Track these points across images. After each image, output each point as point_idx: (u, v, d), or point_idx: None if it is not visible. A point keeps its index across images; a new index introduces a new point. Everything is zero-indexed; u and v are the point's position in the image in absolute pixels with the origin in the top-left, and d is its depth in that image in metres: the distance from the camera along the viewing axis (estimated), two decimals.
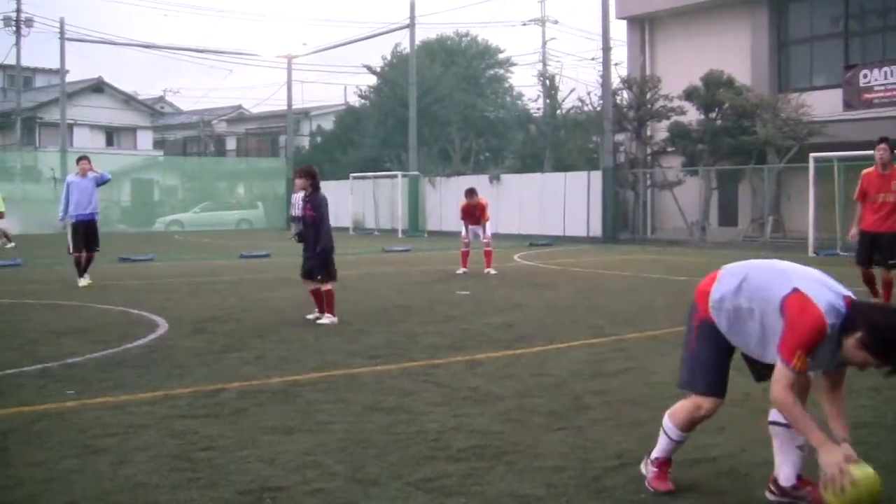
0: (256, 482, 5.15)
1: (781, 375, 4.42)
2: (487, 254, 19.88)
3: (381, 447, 5.86)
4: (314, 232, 12.20)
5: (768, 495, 4.88)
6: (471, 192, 20.66)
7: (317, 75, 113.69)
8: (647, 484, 5.04)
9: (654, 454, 5.09)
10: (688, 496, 4.91)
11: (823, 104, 31.64)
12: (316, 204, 12.23)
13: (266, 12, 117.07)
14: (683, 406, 4.99)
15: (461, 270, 19.50)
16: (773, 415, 4.93)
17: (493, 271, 19.40)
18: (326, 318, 11.95)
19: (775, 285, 4.55)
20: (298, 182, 12.29)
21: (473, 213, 20.36)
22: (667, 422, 5.07)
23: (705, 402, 4.87)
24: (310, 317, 12.14)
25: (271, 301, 14.43)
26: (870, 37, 33.92)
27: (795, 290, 4.43)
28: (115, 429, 6.34)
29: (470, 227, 20.33)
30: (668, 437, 5.04)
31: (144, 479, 5.24)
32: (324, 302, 12.14)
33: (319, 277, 12.11)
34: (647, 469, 5.11)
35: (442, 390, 7.63)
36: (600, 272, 20.31)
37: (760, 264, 4.87)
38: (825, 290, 4.44)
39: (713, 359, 4.90)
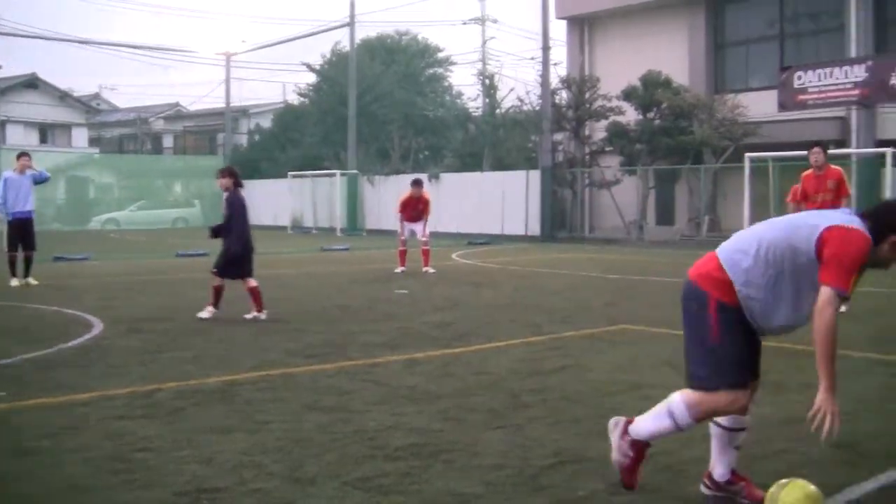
0: (193, 483, 5.11)
1: (830, 302, 4.29)
2: (425, 252, 19.72)
3: (319, 446, 5.84)
4: (224, 231, 12.36)
5: (703, 490, 4.94)
6: (417, 183, 20.48)
7: (256, 73, 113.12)
8: (616, 465, 4.94)
9: (641, 434, 4.89)
10: (624, 493, 4.95)
11: (759, 105, 32.07)
12: (229, 203, 12.35)
13: (205, 9, 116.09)
14: (713, 400, 4.59)
15: (399, 269, 19.42)
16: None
17: (431, 270, 19.35)
18: (207, 312, 12.10)
19: (795, 236, 4.46)
20: (223, 181, 12.39)
21: (416, 206, 20.00)
22: (680, 406, 4.71)
23: (741, 395, 4.56)
24: (247, 316, 12.08)
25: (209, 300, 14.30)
26: (804, 39, 34.44)
27: (830, 226, 4.36)
28: (49, 430, 6.26)
29: (407, 224, 20.02)
30: (675, 422, 4.75)
31: (80, 481, 5.18)
32: (258, 299, 12.19)
33: (214, 270, 12.24)
34: (619, 445, 4.94)
35: (380, 389, 7.63)
36: (538, 271, 20.41)
37: (759, 229, 4.71)
38: (842, 215, 4.50)
39: (743, 347, 4.61)
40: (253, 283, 12.23)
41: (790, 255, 4.44)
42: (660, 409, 4.83)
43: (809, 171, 12.76)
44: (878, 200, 12.89)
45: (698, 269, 4.76)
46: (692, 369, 4.72)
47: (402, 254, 19.69)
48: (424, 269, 19.35)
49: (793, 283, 4.49)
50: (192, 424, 6.41)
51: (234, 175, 12.49)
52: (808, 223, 4.47)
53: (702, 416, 4.69)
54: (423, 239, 19.85)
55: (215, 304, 12.20)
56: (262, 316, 11.98)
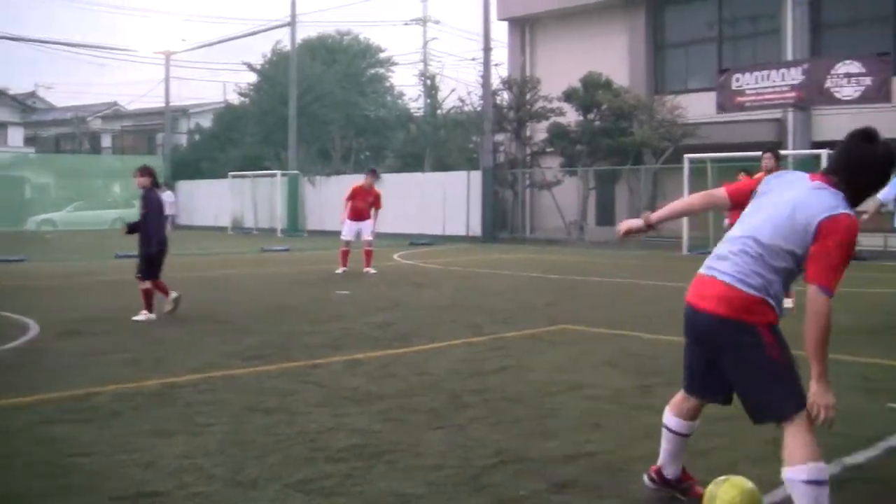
0: (132, 488, 5.06)
1: (820, 292, 4.03)
2: (368, 253, 19.62)
3: (260, 449, 5.81)
4: (143, 228, 12.33)
5: (647, 483, 4.96)
6: (373, 173, 20.36)
7: (196, 72, 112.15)
8: None
9: None
10: (565, 492, 4.98)
11: (698, 106, 32.41)
12: (149, 201, 12.39)
13: (144, 7, 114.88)
14: (804, 440, 4.14)
15: (340, 270, 19.31)
16: (669, 420, 4.82)
17: (372, 270, 19.28)
18: (142, 315, 12.02)
19: (793, 235, 4.14)
20: (141, 180, 12.36)
21: (366, 198, 19.78)
22: (803, 470, 4.10)
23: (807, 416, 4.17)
24: (138, 318, 12.12)
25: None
26: (742, 41, 34.90)
27: (832, 214, 4.06)
28: None
29: (354, 224, 19.73)
30: (818, 483, 4.11)
31: (15, 487, 5.11)
32: (167, 294, 12.33)
33: (138, 275, 12.26)
34: None
35: (322, 390, 7.61)
36: (479, 271, 20.45)
37: (753, 233, 4.27)
38: (832, 196, 4.18)
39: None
40: (148, 285, 12.26)
41: (792, 244, 4.16)
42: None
43: (761, 174, 12.96)
44: None
45: (725, 304, 4.23)
46: (774, 409, 4.23)
47: (345, 254, 19.55)
48: (366, 269, 19.27)
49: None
50: (130, 428, 6.35)
51: (152, 174, 12.50)
52: (806, 211, 4.12)
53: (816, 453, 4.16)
54: (368, 239, 19.74)
55: (149, 308, 12.11)
56: (141, 317, 12.00)
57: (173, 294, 12.33)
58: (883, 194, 11.98)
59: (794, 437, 4.13)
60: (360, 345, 9.97)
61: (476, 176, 36.03)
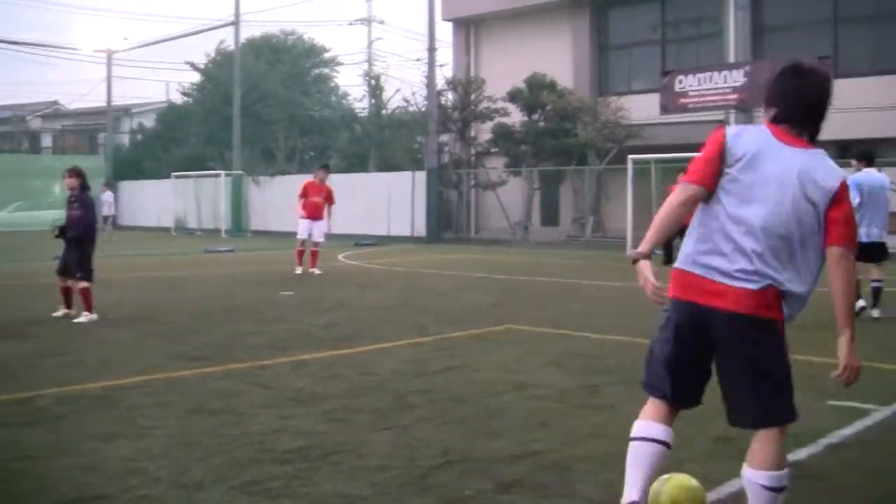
0: (76, 491, 5.00)
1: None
2: (314, 254, 19.56)
3: (205, 451, 5.78)
4: (81, 230, 12.23)
5: None
6: (325, 168, 20.32)
7: (138, 71, 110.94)
8: None
9: None
10: (511, 492, 5.00)
11: (641, 108, 32.68)
12: (84, 202, 12.36)
13: (85, 5, 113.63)
14: (777, 447, 4.04)
15: (299, 270, 19.15)
16: (657, 431, 4.24)
17: (317, 271, 19.19)
18: (84, 317, 11.92)
19: (804, 210, 3.92)
20: (71, 181, 12.35)
21: (319, 193, 19.64)
22: (780, 475, 4.01)
23: None
24: (57, 314, 12.17)
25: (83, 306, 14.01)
26: (685, 44, 35.25)
27: (843, 179, 3.94)
28: None
29: (308, 222, 19.51)
30: (778, 491, 4.02)
31: None
32: (71, 299, 12.21)
33: (79, 275, 12.09)
34: None
35: (267, 392, 7.58)
36: (424, 272, 20.46)
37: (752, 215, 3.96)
38: (822, 158, 4.05)
39: None
40: (80, 284, 12.16)
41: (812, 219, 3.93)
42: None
43: None
44: None
45: (745, 300, 3.91)
46: (776, 410, 4.05)
47: (301, 254, 19.43)
48: (311, 269, 19.19)
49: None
50: (74, 432, 6.28)
51: (82, 175, 12.48)
52: (816, 182, 3.91)
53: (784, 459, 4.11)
54: (318, 241, 19.62)
55: (90, 309, 12.01)
56: (84, 319, 11.90)
57: (85, 317, 12.01)
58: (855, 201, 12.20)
59: (769, 443, 4.02)
60: (305, 345, 9.95)
61: (421, 176, 36.04)
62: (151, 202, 47.64)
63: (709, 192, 4.05)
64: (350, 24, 60.79)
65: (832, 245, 3.90)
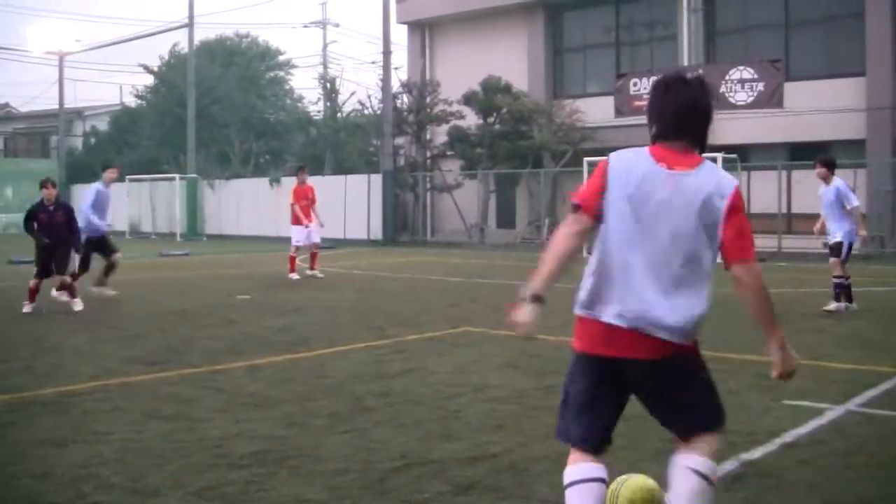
0: (28, 499, 4.95)
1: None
2: (314, 256, 19.55)
3: (161, 456, 5.73)
4: (68, 233, 13.62)
5: None
6: (302, 169, 20.37)
7: (91, 74, 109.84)
8: None
9: None
10: (469, 494, 5.00)
11: (596, 110, 32.83)
12: (67, 208, 14.13)
13: (36, 6, 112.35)
14: (715, 446, 4.02)
15: (295, 276, 18.92)
16: (596, 471, 4.00)
17: (319, 274, 19.17)
18: (77, 305, 13.40)
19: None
20: (50, 191, 13.79)
21: (307, 195, 19.59)
22: (711, 465, 3.93)
23: None
24: (27, 310, 13.03)
25: (44, 307, 13.85)
26: (639, 47, 35.44)
27: (734, 186, 3.84)
28: None
29: (303, 229, 19.35)
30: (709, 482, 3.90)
31: None
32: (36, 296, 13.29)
33: (65, 271, 13.48)
34: None
35: (223, 396, 7.53)
36: (380, 274, 20.44)
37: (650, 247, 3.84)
38: (712, 169, 3.94)
39: None
40: (66, 278, 13.53)
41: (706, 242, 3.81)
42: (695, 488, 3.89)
43: None
44: None
45: (669, 343, 3.81)
46: (706, 420, 4.04)
47: (293, 260, 19.29)
48: (312, 271, 19.15)
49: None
50: (25, 437, 6.21)
51: (56, 185, 14.16)
52: (707, 197, 3.78)
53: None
54: (317, 241, 19.56)
55: (74, 295, 13.43)
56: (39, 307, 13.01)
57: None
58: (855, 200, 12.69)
59: (709, 443, 3.97)
60: (261, 349, 9.90)
61: (376, 179, 36.01)
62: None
63: (595, 222, 3.96)
64: (305, 26, 60.68)
65: (735, 261, 3.77)
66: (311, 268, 19.34)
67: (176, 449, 5.90)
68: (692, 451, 3.92)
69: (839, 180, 13.13)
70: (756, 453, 5.74)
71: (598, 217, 3.90)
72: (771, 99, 28.72)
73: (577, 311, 3.99)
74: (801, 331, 11.38)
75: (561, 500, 4.85)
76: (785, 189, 28.16)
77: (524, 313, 3.90)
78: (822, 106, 28.86)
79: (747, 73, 29.07)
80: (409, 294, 16.06)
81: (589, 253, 4.01)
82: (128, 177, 44.90)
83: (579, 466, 4.01)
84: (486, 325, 11.59)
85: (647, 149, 4.02)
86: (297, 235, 19.45)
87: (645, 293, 3.77)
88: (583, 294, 3.97)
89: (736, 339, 10.43)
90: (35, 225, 13.49)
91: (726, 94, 29.42)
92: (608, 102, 32.43)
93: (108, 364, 9.05)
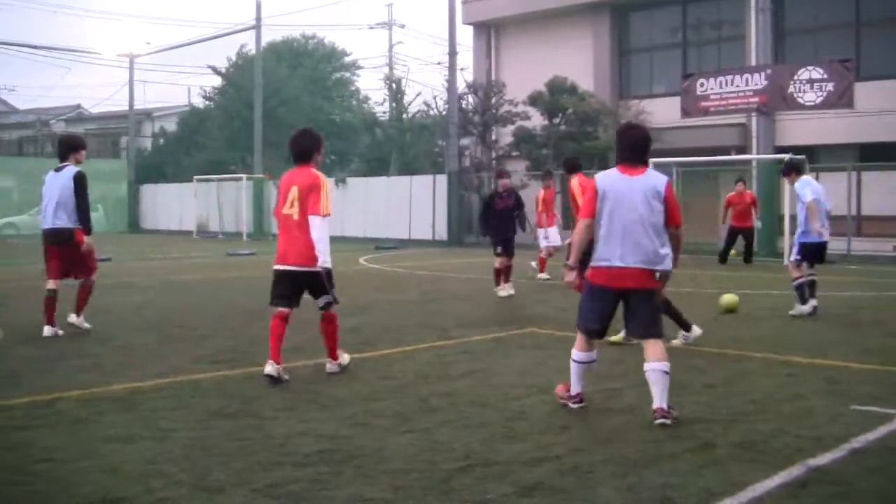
0: (98, 493, 5.02)
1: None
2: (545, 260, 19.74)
3: (226, 454, 5.79)
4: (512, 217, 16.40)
5: (579, 406, 7.00)
6: (550, 176, 21.62)
7: (160, 75, 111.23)
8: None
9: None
10: (533, 495, 4.99)
11: (662, 111, 32.54)
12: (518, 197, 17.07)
13: (107, 9, 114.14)
14: (663, 348, 6.83)
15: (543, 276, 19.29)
16: (586, 356, 7.01)
17: (544, 275, 19.33)
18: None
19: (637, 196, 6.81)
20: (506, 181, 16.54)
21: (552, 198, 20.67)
22: (661, 366, 6.66)
23: None
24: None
25: (114, 306, 14.05)
26: (706, 47, 35.11)
27: (667, 181, 6.94)
28: None
29: (554, 230, 20.01)
30: (667, 374, 6.69)
31: None
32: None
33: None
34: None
35: (288, 395, 7.59)
36: (446, 275, 20.46)
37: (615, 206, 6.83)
38: (653, 173, 7.07)
39: None
40: None
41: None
42: (662, 379, 6.66)
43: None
44: (777, 205, 13.58)
45: (643, 280, 6.78)
46: (656, 329, 6.86)
47: (545, 262, 19.62)
48: (540, 275, 19.35)
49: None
50: (95, 433, 6.30)
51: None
52: (654, 187, 6.89)
53: None
54: (556, 244, 19.88)
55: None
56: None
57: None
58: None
59: (658, 346, 6.77)
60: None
61: (442, 180, 36.05)
62: (174, 206, 47.83)
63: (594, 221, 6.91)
64: (371, 27, 60.82)
65: (672, 225, 6.85)
66: (541, 271, 19.50)
67: (241, 447, 5.95)
68: (651, 357, 6.72)
69: (803, 179, 13.11)
70: (824, 459, 5.65)
71: (595, 215, 6.87)
72: (841, 99, 28.25)
73: (593, 263, 6.89)
74: (869, 335, 11.21)
75: (627, 502, 4.86)
76: (855, 190, 27.73)
77: (569, 276, 7.21)
78: (894, 106, 28.37)
79: (816, 73, 28.63)
80: (474, 295, 16.06)
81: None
82: (195, 177, 45.43)
83: (586, 353, 7.03)
84: (552, 327, 11.55)
85: (616, 168, 7.02)
86: (553, 237, 19.98)
87: (626, 248, 6.74)
88: (596, 252, 6.88)
89: (802, 343, 10.32)
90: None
91: (795, 95, 29.00)
92: (675, 103, 32.12)
93: (175, 362, 9.16)
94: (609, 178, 6.93)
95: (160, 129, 61.27)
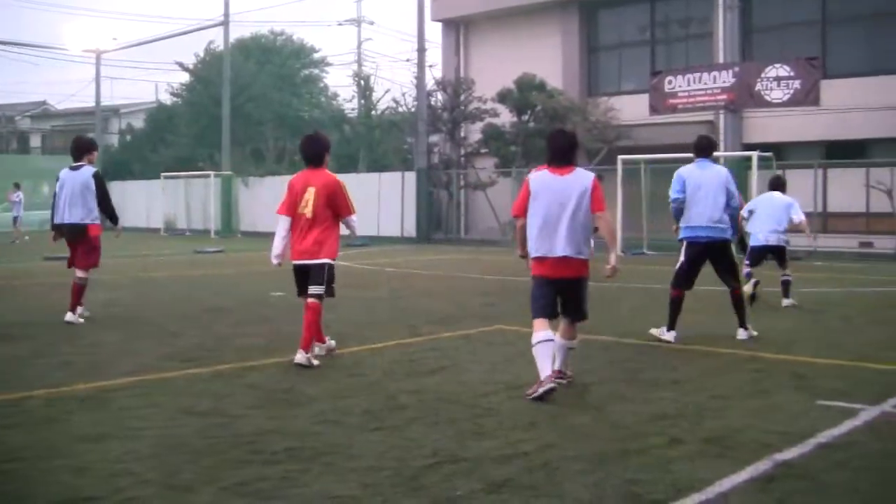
0: (67, 493, 5.00)
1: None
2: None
3: (195, 452, 5.77)
4: None
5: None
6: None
7: (127, 72, 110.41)
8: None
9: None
10: (501, 492, 5.00)
11: (631, 108, 32.73)
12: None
13: (73, 5, 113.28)
14: (575, 329, 7.89)
15: None
16: (549, 335, 7.45)
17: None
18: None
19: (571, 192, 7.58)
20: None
21: None
22: (570, 343, 7.85)
23: None
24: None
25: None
26: (674, 44, 35.31)
27: (593, 177, 7.68)
28: None
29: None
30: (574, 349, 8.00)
31: None
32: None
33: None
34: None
35: (256, 392, 7.57)
36: (415, 272, 20.47)
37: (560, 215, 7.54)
38: (582, 171, 7.82)
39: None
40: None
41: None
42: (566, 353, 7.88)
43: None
44: (746, 201, 13.74)
45: (580, 270, 7.71)
46: (582, 313, 7.79)
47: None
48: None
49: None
50: (63, 433, 6.27)
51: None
52: (582, 184, 7.65)
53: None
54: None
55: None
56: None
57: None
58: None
59: (573, 327, 7.79)
60: (295, 346, 9.88)
61: (410, 177, 36.06)
62: (141, 203, 47.53)
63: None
64: (339, 24, 60.98)
65: (597, 212, 7.62)
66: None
67: (210, 445, 5.94)
68: (565, 335, 7.78)
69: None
70: (790, 454, 5.71)
71: (527, 213, 7.69)
72: (807, 97, 28.50)
73: (533, 254, 7.66)
74: (835, 331, 11.33)
75: (594, 499, 4.88)
76: (821, 188, 27.96)
77: (523, 260, 8.01)
78: (859, 104, 28.64)
79: (783, 70, 28.86)
80: (442, 292, 16.07)
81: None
82: (163, 174, 45.21)
83: (543, 332, 7.45)
84: (520, 324, 11.57)
85: (546, 168, 7.74)
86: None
87: (559, 240, 7.51)
88: (533, 246, 7.65)
89: (769, 339, 10.40)
90: None
91: (762, 92, 29.24)
92: (643, 100, 32.30)
93: (143, 360, 9.12)
94: (540, 178, 7.68)
95: (127, 126, 60.88)
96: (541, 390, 7.14)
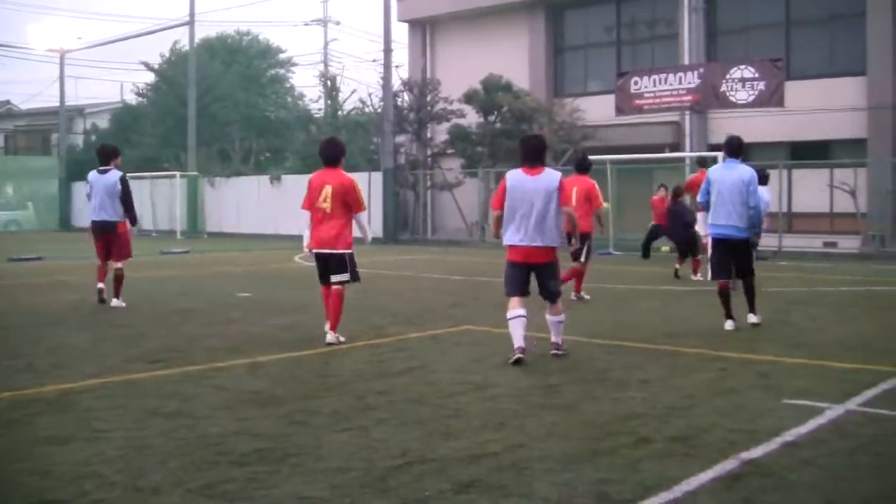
0: (32, 496, 4.96)
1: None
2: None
3: (162, 454, 5.74)
4: None
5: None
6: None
7: (92, 71, 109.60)
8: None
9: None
10: (470, 492, 5.01)
11: (597, 109, 32.82)
12: None
13: (37, 3, 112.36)
14: (561, 306, 9.33)
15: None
16: (523, 311, 8.95)
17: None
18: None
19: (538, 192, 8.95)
20: None
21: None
22: (559, 317, 9.28)
23: None
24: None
25: (47, 305, 13.88)
26: (640, 45, 35.46)
27: (560, 177, 9.07)
28: None
29: None
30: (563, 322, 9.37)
31: None
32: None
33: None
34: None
35: (224, 394, 7.54)
36: (382, 272, 20.42)
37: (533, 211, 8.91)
38: (550, 171, 9.20)
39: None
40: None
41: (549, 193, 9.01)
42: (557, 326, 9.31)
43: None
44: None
45: (548, 256, 9.09)
46: (557, 293, 9.24)
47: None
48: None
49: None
50: (27, 435, 6.22)
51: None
52: (551, 183, 9.05)
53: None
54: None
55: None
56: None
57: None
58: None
59: (556, 305, 9.18)
60: (262, 347, 9.90)
61: (377, 177, 35.99)
62: None
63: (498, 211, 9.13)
64: (306, 24, 60.92)
65: (562, 205, 9.02)
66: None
67: (177, 446, 5.91)
68: (552, 313, 9.20)
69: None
70: (756, 452, 5.74)
71: (504, 207, 8.97)
72: (772, 98, 28.72)
73: (507, 242, 9.04)
74: (800, 330, 11.41)
75: (563, 498, 4.89)
76: (786, 188, 28.18)
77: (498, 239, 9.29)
78: (823, 105, 28.88)
79: (748, 72, 29.06)
80: (410, 292, 16.06)
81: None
82: (128, 174, 44.82)
83: (515, 309, 8.92)
84: (488, 324, 11.59)
85: (521, 168, 9.08)
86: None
87: (529, 231, 8.88)
88: (507, 235, 9.04)
89: (734, 338, 10.46)
90: None
91: (727, 93, 29.43)
92: (609, 101, 32.42)
93: (109, 362, 9.06)
94: (515, 177, 9.03)
95: (92, 126, 60.41)
96: (513, 358, 8.74)
